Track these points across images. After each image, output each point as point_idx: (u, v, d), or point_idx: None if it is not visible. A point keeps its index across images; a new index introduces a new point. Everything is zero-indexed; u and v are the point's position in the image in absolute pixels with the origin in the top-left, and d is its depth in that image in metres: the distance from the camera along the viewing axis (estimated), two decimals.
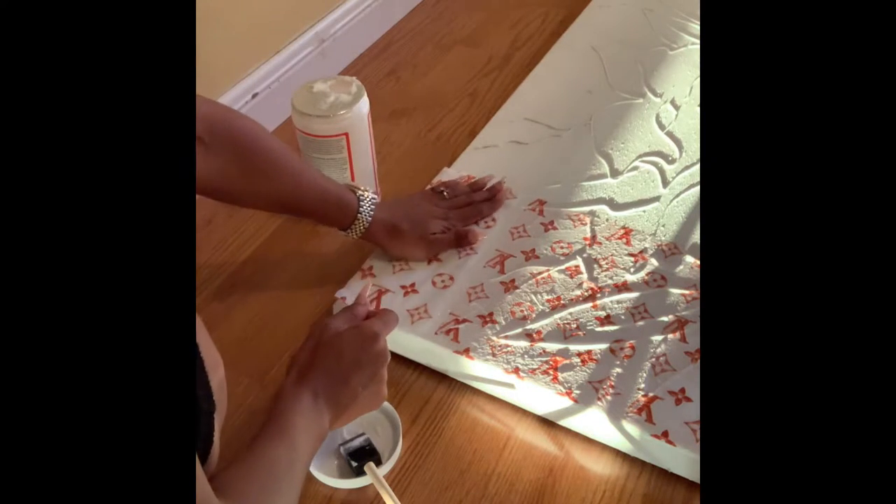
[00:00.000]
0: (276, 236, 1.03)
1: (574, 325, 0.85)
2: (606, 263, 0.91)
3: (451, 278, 0.91)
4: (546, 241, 0.95)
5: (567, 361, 0.81)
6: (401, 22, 1.42)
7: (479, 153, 1.09)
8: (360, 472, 0.75)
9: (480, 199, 0.97)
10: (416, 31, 1.40)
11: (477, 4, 1.45)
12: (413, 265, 0.92)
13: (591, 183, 1.03)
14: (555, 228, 0.96)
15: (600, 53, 1.26)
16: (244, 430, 0.81)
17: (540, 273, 0.91)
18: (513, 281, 0.90)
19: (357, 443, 0.77)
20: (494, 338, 0.84)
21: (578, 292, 0.88)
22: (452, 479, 0.77)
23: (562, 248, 0.94)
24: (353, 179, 0.98)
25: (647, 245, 0.93)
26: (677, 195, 1.01)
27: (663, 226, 0.97)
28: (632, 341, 0.83)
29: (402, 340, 0.85)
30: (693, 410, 0.76)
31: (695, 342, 0.83)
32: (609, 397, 0.78)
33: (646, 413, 0.76)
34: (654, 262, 0.91)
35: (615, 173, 1.05)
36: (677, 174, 1.04)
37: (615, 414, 0.77)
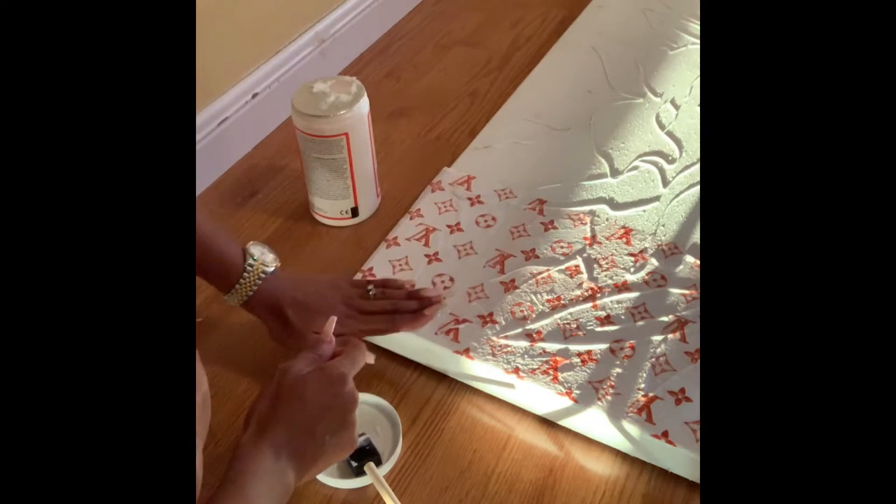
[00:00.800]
0: (276, 236, 1.03)
1: (574, 325, 0.85)
2: (606, 263, 0.91)
3: (451, 278, 0.91)
4: (546, 240, 0.95)
5: (567, 361, 0.81)
6: (401, 22, 1.42)
7: (479, 153, 1.09)
8: (359, 472, 0.75)
9: (409, 307, 0.83)
10: (416, 31, 1.40)
11: (477, 4, 1.45)
12: (413, 265, 0.92)
13: (591, 183, 1.03)
14: (555, 228, 0.96)
15: (600, 53, 1.26)
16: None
17: (540, 273, 0.91)
18: (513, 281, 0.90)
19: (357, 442, 0.77)
20: (494, 338, 0.84)
21: (578, 292, 0.88)
22: (452, 479, 0.77)
23: (562, 247, 0.94)
24: (352, 179, 0.98)
25: (647, 245, 0.93)
26: (677, 195, 1.01)
27: (663, 225, 0.97)
28: (632, 341, 0.83)
29: (402, 340, 0.85)
30: (693, 410, 0.76)
31: (695, 342, 0.83)
32: (609, 397, 0.78)
33: (646, 413, 0.76)
34: (654, 262, 0.91)
35: (615, 173, 1.05)
36: (677, 174, 1.04)
37: (615, 414, 0.77)
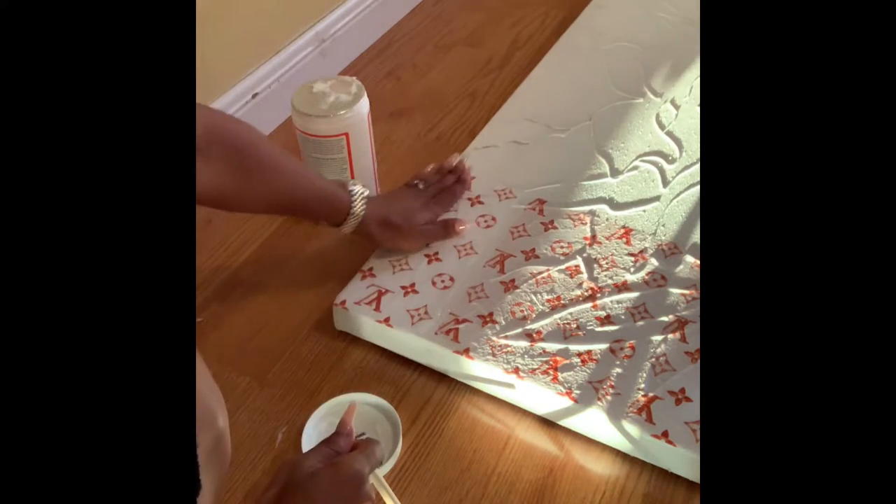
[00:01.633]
0: (276, 236, 1.03)
1: (574, 325, 0.85)
2: (606, 263, 0.91)
3: (451, 278, 0.91)
4: (546, 240, 0.95)
5: (567, 361, 0.81)
6: (401, 22, 1.42)
7: (479, 153, 1.09)
8: None
9: (451, 183, 0.99)
10: (415, 31, 1.40)
11: (477, 4, 1.45)
12: (413, 265, 0.92)
13: (591, 182, 1.03)
14: (555, 228, 0.96)
15: (600, 53, 1.26)
16: (241, 430, 0.81)
17: (540, 273, 0.91)
18: (513, 281, 0.90)
19: None
20: (494, 338, 0.84)
21: (578, 292, 0.88)
22: (452, 479, 0.77)
23: (562, 247, 0.94)
24: (352, 178, 0.98)
25: (647, 245, 0.93)
26: (677, 195, 1.01)
27: (663, 225, 0.97)
28: (632, 341, 0.83)
29: (402, 340, 0.85)
30: (693, 410, 0.76)
31: (695, 342, 0.83)
32: (609, 397, 0.78)
33: (646, 413, 0.76)
34: (654, 262, 0.91)
35: (615, 173, 1.05)
36: (677, 174, 1.04)
37: (615, 414, 0.77)
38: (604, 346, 0.83)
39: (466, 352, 0.82)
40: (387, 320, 0.86)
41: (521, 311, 0.87)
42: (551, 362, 0.81)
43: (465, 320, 0.86)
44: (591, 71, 1.23)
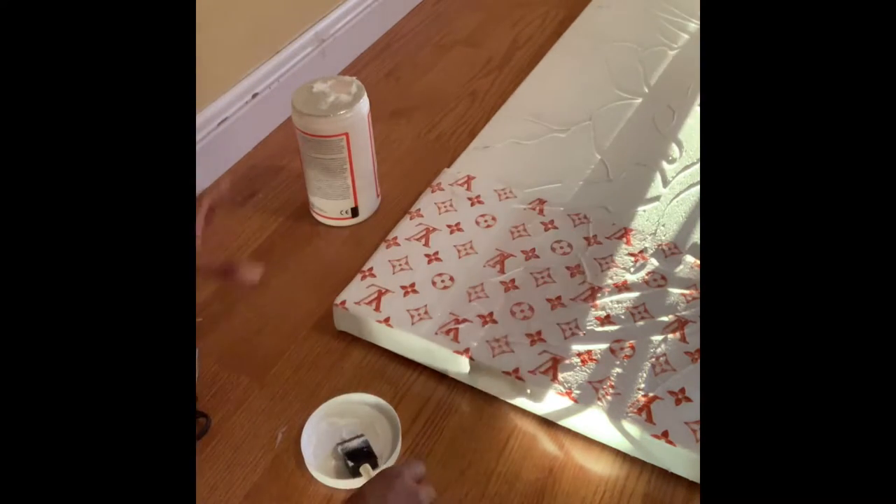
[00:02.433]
0: (276, 236, 1.03)
1: (574, 325, 0.85)
2: (606, 263, 0.91)
3: (451, 278, 0.91)
4: (546, 240, 0.95)
5: (567, 361, 0.81)
6: (401, 22, 1.42)
7: (479, 153, 1.09)
8: (356, 473, 0.75)
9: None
10: (416, 31, 1.40)
11: (477, 4, 1.45)
12: (413, 265, 0.92)
13: (591, 182, 1.03)
14: (555, 228, 0.96)
15: (600, 53, 1.26)
16: (241, 430, 0.81)
17: (540, 273, 0.91)
18: (513, 281, 0.90)
19: (355, 444, 0.77)
20: (494, 338, 0.84)
21: (578, 292, 0.88)
22: (452, 479, 0.77)
23: (562, 247, 0.94)
24: (352, 179, 0.98)
25: (647, 245, 0.93)
26: (677, 195, 1.01)
27: (663, 225, 0.96)
28: (632, 341, 0.83)
29: (403, 340, 0.85)
30: (693, 410, 0.76)
31: (695, 342, 0.82)
32: (609, 397, 0.78)
33: (646, 413, 0.76)
34: (654, 262, 0.91)
35: (615, 173, 1.05)
36: (677, 174, 1.04)
37: (615, 414, 0.77)
38: (604, 346, 0.83)
39: (466, 352, 0.82)
40: (387, 320, 0.86)
41: (522, 311, 0.86)
42: (551, 362, 0.81)
43: (465, 320, 0.86)
44: (591, 71, 1.23)
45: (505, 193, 1.01)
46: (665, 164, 1.06)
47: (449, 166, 1.07)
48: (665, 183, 1.03)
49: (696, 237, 0.94)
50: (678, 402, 0.77)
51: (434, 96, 1.25)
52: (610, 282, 0.89)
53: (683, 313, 0.85)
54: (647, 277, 0.90)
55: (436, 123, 1.20)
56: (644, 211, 0.99)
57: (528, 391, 0.80)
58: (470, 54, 1.33)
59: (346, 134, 0.95)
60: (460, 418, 0.82)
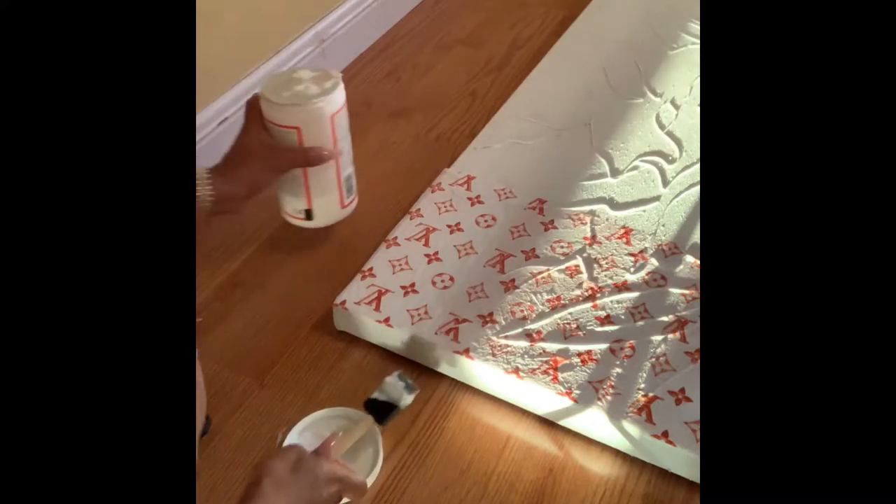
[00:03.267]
0: (276, 236, 1.03)
1: (574, 325, 0.85)
2: (606, 263, 0.91)
3: (451, 278, 0.91)
4: (546, 240, 0.95)
5: (567, 361, 0.81)
6: (401, 22, 1.42)
7: (479, 153, 1.09)
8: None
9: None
10: (416, 31, 1.40)
11: (477, 4, 1.45)
12: (413, 265, 0.92)
13: (591, 182, 1.03)
14: (555, 228, 0.96)
15: (600, 53, 1.26)
16: (241, 430, 0.81)
17: (540, 273, 0.91)
18: (513, 281, 0.90)
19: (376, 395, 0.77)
20: (494, 338, 0.84)
21: (578, 292, 0.88)
22: (452, 479, 0.77)
23: (562, 247, 0.94)
24: (305, 180, 0.88)
25: (647, 245, 0.93)
26: (677, 195, 1.01)
27: (663, 225, 0.97)
28: (632, 341, 0.83)
29: (403, 340, 0.85)
30: (693, 410, 0.76)
31: (695, 342, 0.83)
32: (609, 397, 0.78)
33: (646, 413, 0.76)
34: (654, 262, 0.91)
35: (615, 173, 1.05)
36: (677, 174, 1.04)
37: (615, 414, 0.77)
38: (604, 346, 0.83)
39: (466, 352, 0.82)
40: (387, 320, 0.86)
41: (521, 311, 0.86)
42: (551, 362, 0.81)
43: (465, 320, 0.86)
44: (590, 71, 1.23)
45: (505, 193, 1.01)
46: (665, 164, 1.06)
47: (449, 166, 1.07)
48: (665, 183, 1.03)
49: (696, 237, 0.94)
50: (678, 402, 0.77)
51: (434, 96, 1.25)
52: (610, 282, 0.89)
53: (683, 313, 0.85)
54: (647, 277, 0.90)
55: (436, 123, 1.20)
56: (644, 211, 0.99)
57: (528, 390, 0.80)
58: (470, 54, 1.33)
59: (298, 128, 0.84)
60: (460, 418, 0.82)
